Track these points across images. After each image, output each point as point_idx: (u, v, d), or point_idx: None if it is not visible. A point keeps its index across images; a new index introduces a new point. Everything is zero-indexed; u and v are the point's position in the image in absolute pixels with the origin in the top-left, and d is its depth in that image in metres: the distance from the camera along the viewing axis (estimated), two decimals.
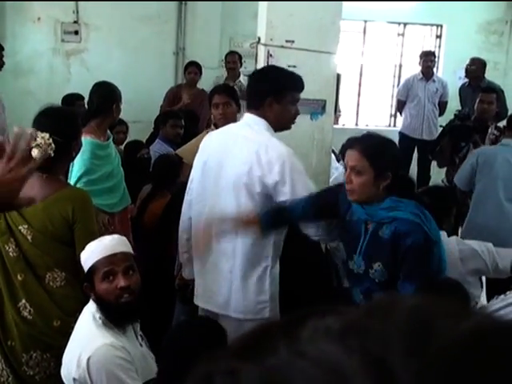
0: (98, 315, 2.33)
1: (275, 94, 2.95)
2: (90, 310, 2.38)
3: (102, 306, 2.33)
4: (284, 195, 2.82)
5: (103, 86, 4.07)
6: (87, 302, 2.50)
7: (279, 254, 3.03)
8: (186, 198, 3.21)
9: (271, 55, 4.25)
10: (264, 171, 2.84)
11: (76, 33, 7.76)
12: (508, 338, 0.43)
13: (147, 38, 7.83)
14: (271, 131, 2.96)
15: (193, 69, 6.97)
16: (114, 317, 2.32)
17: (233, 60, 7.25)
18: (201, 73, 7.02)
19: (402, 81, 8.02)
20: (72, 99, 5.60)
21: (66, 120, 2.77)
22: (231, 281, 2.97)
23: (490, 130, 5.27)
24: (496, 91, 5.63)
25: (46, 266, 2.70)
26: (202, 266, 3.08)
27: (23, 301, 2.71)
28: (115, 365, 2.20)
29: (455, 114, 6.49)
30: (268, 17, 4.26)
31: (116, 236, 2.46)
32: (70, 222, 2.62)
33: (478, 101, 5.44)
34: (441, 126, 6.68)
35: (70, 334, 2.47)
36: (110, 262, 2.33)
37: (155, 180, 4.39)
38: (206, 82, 7.12)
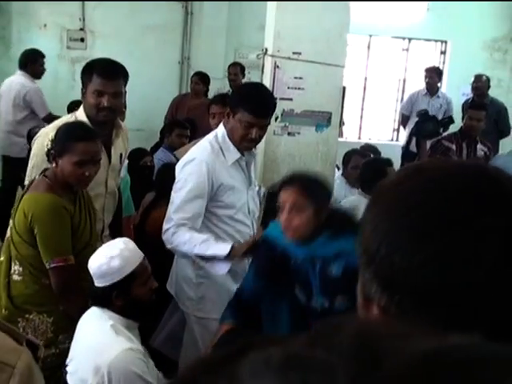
0: (111, 321, 2.29)
1: (231, 107, 3.05)
2: (98, 314, 2.34)
3: (134, 309, 2.35)
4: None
5: None
6: (47, 307, 2.64)
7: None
8: None
9: (278, 66, 4.25)
10: None
11: (82, 40, 7.80)
12: (455, 361, 0.40)
13: (152, 47, 7.85)
14: (217, 143, 3.06)
15: (195, 79, 6.99)
16: (142, 315, 2.39)
17: (234, 72, 7.22)
18: (207, 83, 6.99)
19: (407, 96, 8.02)
20: (78, 106, 5.57)
21: (61, 133, 2.81)
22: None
23: (478, 146, 5.27)
24: (485, 108, 5.57)
25: (13, 255, 2.76)
26: None
27: None
28: (136, 368, 2.19)
29: (417, 115, 6.55)
30: (276, 28, 4.27)
31: (126, 239, 2.47)
32: (28, 224, 2.65)
33: (466, 117, 5.36)
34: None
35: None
36: (146, 265, 2.40)
37: (158, 188, 4.38)
38: (209, 92, 7.13)
